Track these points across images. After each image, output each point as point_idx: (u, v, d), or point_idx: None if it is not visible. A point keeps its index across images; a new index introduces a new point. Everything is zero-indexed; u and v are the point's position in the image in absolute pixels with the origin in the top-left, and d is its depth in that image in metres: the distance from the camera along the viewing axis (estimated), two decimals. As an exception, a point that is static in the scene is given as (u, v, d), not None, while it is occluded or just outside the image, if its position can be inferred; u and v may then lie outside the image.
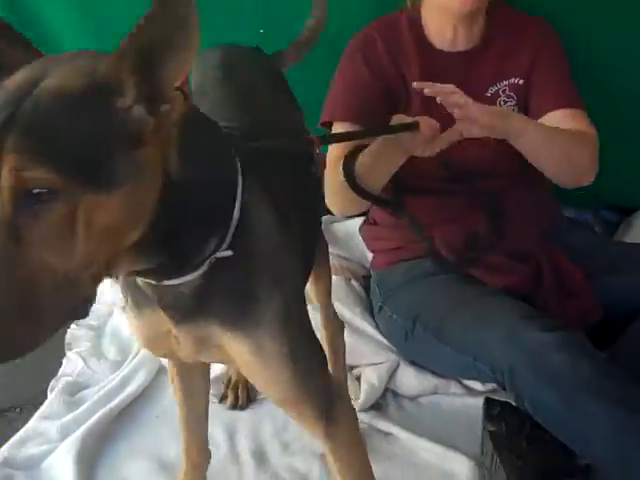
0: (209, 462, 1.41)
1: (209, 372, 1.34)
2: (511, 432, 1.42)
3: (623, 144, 1.95)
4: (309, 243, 1.19)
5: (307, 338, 1.01)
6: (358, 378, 1.71)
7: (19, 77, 0.74)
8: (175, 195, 0.80)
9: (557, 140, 1.49)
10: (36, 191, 0.68)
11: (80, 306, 0.75)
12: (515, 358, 1.36)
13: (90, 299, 0.76)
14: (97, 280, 0.77)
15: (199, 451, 1.38)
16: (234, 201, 0.90)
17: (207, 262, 0.88)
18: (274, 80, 1.42)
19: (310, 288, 1.56)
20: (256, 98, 1.27)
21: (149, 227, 0.78)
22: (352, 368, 1.74)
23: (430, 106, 1.44)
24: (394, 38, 1.63)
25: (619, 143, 1.89)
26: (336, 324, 1.67)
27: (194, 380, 1.29)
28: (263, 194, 0.95)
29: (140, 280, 0.91)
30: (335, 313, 1.68)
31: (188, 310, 0.92)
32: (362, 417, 1.57)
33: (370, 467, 1.13)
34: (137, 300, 0.98)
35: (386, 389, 1.69)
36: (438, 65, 1.61)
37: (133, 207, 0.75)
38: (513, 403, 1.46)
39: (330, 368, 1.49)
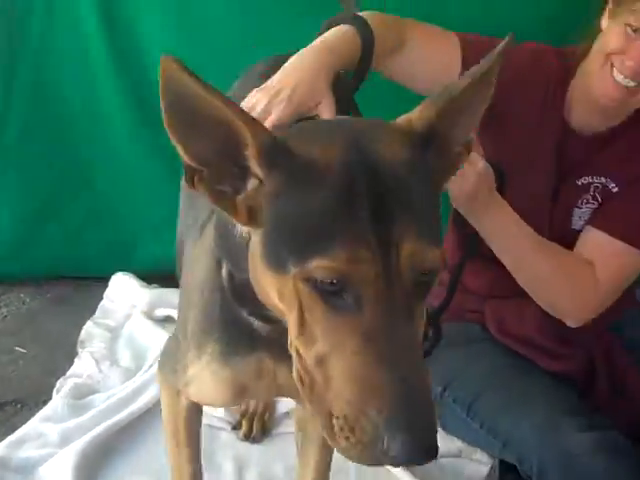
0: None
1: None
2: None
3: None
4: None
5: None
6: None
7: (337, 147, 0.69)
8: None
9: (524, 258, 1.33)
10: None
11: None
12: (547, 455, 1.29)
13: None
14: None
15: None
16: None
17: None
18: None
19: None
20: None
21: None
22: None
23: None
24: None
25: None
26: None
27: (195, 423, 1.19)
28: None
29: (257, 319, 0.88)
30: None
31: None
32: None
33: None
34: (227, 349, 0.93)
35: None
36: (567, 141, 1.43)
37: None
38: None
39: None
